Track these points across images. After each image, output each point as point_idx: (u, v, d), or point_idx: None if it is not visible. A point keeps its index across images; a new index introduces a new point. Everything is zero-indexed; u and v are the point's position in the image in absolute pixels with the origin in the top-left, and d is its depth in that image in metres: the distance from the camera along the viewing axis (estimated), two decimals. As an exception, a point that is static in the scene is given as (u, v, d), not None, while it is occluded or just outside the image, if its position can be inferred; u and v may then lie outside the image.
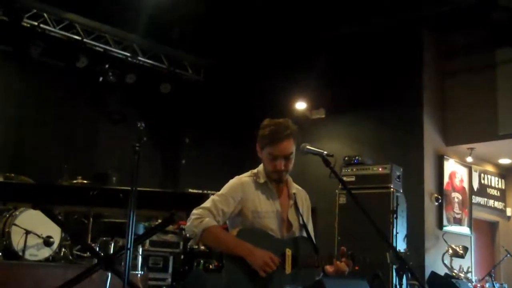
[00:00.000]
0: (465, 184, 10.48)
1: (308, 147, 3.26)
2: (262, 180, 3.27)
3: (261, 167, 3.33)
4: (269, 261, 2.99)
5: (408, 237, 8.05)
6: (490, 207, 11.15)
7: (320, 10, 8.93)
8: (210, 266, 7.71)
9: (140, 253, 7.62)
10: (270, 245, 3.08)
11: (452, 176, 10.10)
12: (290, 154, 3.23)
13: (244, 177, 3.31)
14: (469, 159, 10.36)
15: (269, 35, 9.70)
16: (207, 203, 3.17)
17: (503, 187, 11.49)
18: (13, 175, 7.59)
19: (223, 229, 3.15)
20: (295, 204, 3.33)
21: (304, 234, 3.31)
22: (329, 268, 3.17)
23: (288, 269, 3.07)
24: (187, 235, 3.20)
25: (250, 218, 3.17)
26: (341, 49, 10.03)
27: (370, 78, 9.77)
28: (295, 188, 3.40)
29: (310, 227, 3.38)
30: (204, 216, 3.09)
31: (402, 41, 9.62)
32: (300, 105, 10.43)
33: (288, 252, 3.10)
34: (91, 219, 7.60)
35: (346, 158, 8.69)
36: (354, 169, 8.49)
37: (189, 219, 3.13)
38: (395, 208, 7.85)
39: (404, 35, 9.59)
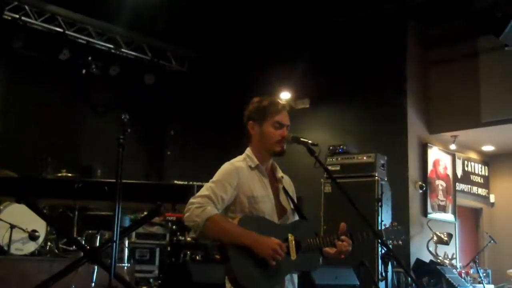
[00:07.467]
0: (449, 172, 10.55)
1: (294, 136, 3.21)
2: (253, 164, 3.16)
3: (249, 151, 3.22)
4: (278, 248, 2.90)
5: (393, 225, 8.10)
6: (473, 194, 11.25)
7: (305, 1, 8.92)
8: (197, 258, 7.69)
9: (127, 245, 7.59)
10: (272, 231, 2.98)
11: (436, 163, 10.17)
12: (289, 125, 3.20)
13: (237, 162, 3.16)
14: (453, 147, 10.43)
15: (253, 26, 9.66)
16: (205, 191, 2.99)
17: (487, 174, 11.59)
18: (-4, 169, 7.52)
19: (225, 217, 3.01)
20: (284, 188, 3.25)
21: (297, 218, 3.24)
22: (329, 250, 3.10)
23: (293, 255, 3.02)
24: (188, 225, 2.99)
25: (247, 204, 3.04)
26: (326, 39, 10.02)
27: (355, 67, 9.77)
28: (281, 172, 3.31)
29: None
30: (205, 204, 2.93)
31: (385, 31, 9.63)
32: (285, 95, 10.43)
33: (291, 237, 3.04)
34: (76, 212, 7.56)
35: (331, 148, 8.73)
36: (339, 158, 8.54)
37: (188, 208, 2.95)
38: (380, 196, 7.91)
39: (388, 25, 9.60)
